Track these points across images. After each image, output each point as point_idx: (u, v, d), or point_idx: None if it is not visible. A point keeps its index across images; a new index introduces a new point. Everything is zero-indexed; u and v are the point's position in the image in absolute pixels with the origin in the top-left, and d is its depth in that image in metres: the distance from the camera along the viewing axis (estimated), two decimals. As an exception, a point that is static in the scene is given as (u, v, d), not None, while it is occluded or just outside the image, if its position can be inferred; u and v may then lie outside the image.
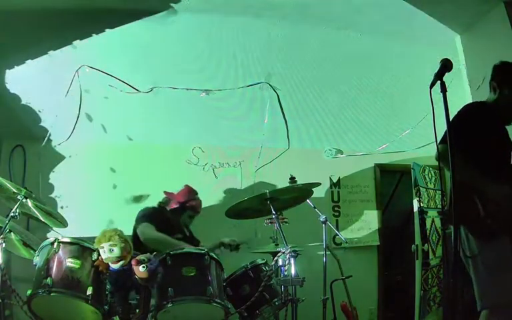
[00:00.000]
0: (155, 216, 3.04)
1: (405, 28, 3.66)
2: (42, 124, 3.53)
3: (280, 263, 2.29)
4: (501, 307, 2.06)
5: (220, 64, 3.65)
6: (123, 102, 3.55)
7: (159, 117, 3.81)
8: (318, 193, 3.41)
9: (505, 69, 2.38)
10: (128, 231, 2.92)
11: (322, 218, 3.11)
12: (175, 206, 3.18)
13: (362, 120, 4.24)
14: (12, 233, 2.38)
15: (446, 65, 1.65)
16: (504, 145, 2.37)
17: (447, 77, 1.65)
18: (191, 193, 3.27)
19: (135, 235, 2.93)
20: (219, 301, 2.18)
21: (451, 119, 1.61)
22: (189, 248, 2.53)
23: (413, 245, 3.69)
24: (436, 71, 1.63)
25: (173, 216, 3.18)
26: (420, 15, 3.44)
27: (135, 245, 2.57)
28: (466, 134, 2.11)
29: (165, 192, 3.29)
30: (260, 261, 2.64)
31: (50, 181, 3.58)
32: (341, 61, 3.84)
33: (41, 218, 2.51)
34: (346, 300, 3.42)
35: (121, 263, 2.05)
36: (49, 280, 1.95)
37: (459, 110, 2.29)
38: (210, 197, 3.88)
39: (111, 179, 3.70)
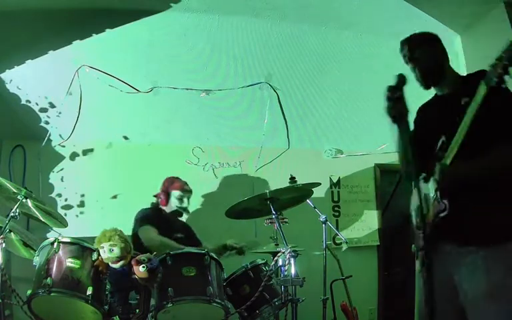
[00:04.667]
0: (155, 217, 3.03)
1: (404, 28, 3.62)
2: (42, 124, 3.53)
3: (280, 262, 2.29)
4: None
5: (220, 64, 3.64)
6: (123, 102, 3.55)
7: (159, 117, 3.81)
8: (318, 192, 3.41)
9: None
10: (128, 231, 2.93)
11: (322, 218, 3.11)
12: (163, 197, 3.15)
13: (362, 120, 4.23)
14: (12, 233, 2.39)
15: (401, 81, 1.53)
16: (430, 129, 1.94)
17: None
18: (171, 178, 3.23)
19: (135, 236, 2.93)
20: (218, 300, 2.18)
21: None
22: (189, 248, 2.53)
23: (412, 245, 3.68)
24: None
25: (170, 215, 3.17)
26: (420, 15, 3.43)
27: (135, 245, 2.56)
28: None
29: (154, 195, 3.24)
30: (260, 261, 2.65)
31: (50, 181, 3.58)
32: (341, 61, 3.83)
33: (41, 218, 2.51)
34: (346, 300, 3.43)
35: (121, 262, 2.05)
36: (48, 280, 1.96)
37: None
38: (210, 197, 3.89)
39: (111, 178, 3.70)
